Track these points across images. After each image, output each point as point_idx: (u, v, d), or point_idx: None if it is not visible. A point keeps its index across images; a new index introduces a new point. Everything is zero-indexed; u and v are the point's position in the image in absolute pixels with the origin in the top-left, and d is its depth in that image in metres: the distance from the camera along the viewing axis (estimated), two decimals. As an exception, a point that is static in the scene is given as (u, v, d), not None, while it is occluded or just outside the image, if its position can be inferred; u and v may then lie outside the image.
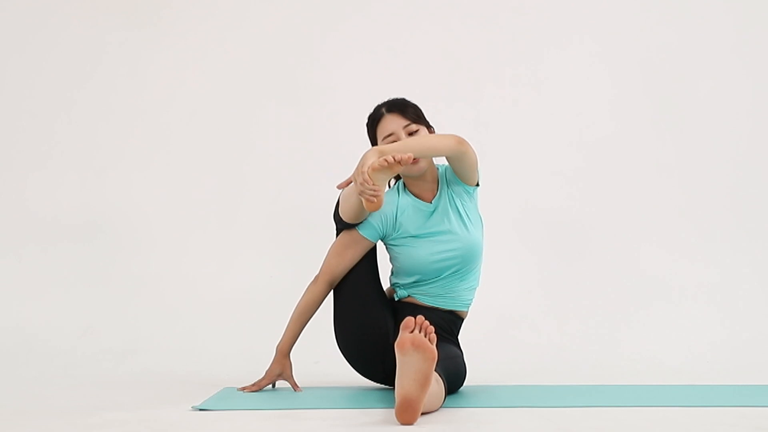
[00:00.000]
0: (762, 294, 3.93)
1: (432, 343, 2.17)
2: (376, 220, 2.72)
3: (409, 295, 2.78)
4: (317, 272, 2.74)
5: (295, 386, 2.72)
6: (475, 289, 2.83)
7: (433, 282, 2.75)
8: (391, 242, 2.76)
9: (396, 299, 2.81)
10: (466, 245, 2.72)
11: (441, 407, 2.38)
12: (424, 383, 2.16)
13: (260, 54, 4.10)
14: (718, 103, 4.13)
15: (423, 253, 2.71)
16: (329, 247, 2.75)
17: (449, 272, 2.73)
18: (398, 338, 2.18)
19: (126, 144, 4.06)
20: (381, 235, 2.74)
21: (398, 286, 2.81)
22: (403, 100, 2.77)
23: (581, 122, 4.11)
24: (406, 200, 2.75)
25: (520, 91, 4.12)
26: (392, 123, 2.70)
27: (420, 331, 2.18)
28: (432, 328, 2.22)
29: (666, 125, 4.12)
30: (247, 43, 4.11)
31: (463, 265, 2.74)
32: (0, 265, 3.91)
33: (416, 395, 2.15)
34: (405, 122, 2.70)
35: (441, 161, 2.83)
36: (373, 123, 2.75)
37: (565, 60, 4.14)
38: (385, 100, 2.77)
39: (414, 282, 2.77)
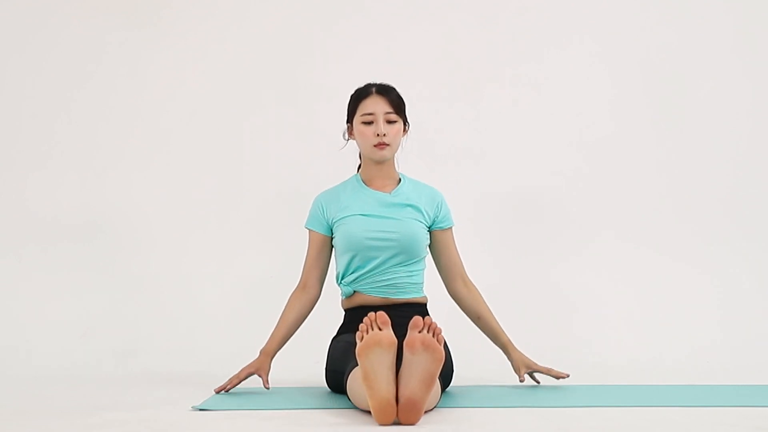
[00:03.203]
0: (761, 294, 3.93)
1: (440, 344, 2.19)
2: (315, 212, 2.86)
3: (355, 291, 2.80)
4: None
5: (266, 383, 2.71)
6: (422, 271, 2.86)
7: (374, 269, 2.76)
8: (337, 224, 2.82)
9: (343, 297, 2.85)
10: (405, 231, 2.76)
11: (437, 405, 2.39)
12: (430, 384, 2.17)
13: (260, 54, 4.10)
14: (718, 103, 4.13)
15: (359, 229, 2.76)
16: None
17: (389, 258, 2.76)
18: (407, 337, 2.19)
19: (126, 144, 4.05)
20: (326, 221, 2.84)
21: (343, 284, 2.83)
22: (394, 89, 2.84)
23: (581, 122, 4.11)
24: (362, 191, 2.84)
25: (520, 91, 4.12)
26: (377, 105, 2.77)
27: (428, 332, 2.20)
28: (440, 329, 2.23)
29: (666, 125, 4.12)
30: (247, 43, 4.11)
31: (402, 251, 2.76)
32: (0, 265, 3.91)
33: (421, 396, 2.16)
34: (388, 109, 2.78)
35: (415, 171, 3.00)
36: (358, 98, 2.82)
37: (565, 60, 4.14)
38: (377, 81, 2.84)
39: (353, 271, 2.78)
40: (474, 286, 2.92)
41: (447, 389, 2.78)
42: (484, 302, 2.91)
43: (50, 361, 3.49)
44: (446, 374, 2.63)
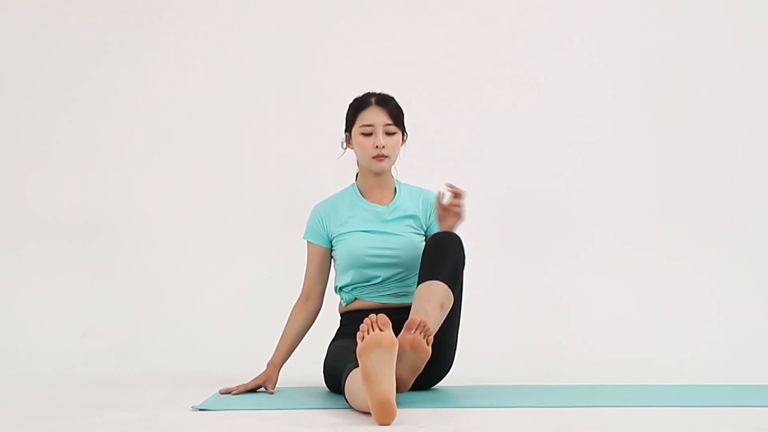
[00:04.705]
0: (760, 295, 3.93)
1: (428, 345, 2.39)
2: (314, 224, 2.85)
3: (356, 298, 2.82)
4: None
5: (270, 392, 2.73)
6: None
7: (376, 284, 2.78)
8: (337, 239, 2.82)
9: (344, 304, 2.86)
10: (406, 247, 2.78)
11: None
12: (416, 371, 2.44)
13: (260, 54, 4.10)
14: (718, 103, 4.13)
15: (361, 246, 2.77)
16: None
17: (391, 275, 2.77)
18: (400, 336, 2.34)
19: (126, 144, 4.05)
20: (326, 233, 2.83)
21: (343, 291, 2.84)
22: (393, 99, 2.82)
23: (581, 123, 4.11)
24: (360, 204, 2.83)
25: (519, 92, 4.12)
26: (376, 116, 2.76)
27: (420, 333, 2.38)
28: (431, 331, 2.42)
29: (665, 126, 4.12)
30: (247, 43, 4.11)
31: (404, 267, 2.77)
32: (0, 265, 3.91)
33: (407, 378, 2.45)
34: (387, 120, 2.76)
35: (415, 179, 2.99)
36: (358, 108, 2.80)
37: (565, 60, 4.14)
38: (376, 91, 2.82)
39: (354, 284, 2.80)
40: None
41: (446, 385, 2.79)
42: None
43: (50, 361, 3.49)
44: (448, 353, 2.69)
